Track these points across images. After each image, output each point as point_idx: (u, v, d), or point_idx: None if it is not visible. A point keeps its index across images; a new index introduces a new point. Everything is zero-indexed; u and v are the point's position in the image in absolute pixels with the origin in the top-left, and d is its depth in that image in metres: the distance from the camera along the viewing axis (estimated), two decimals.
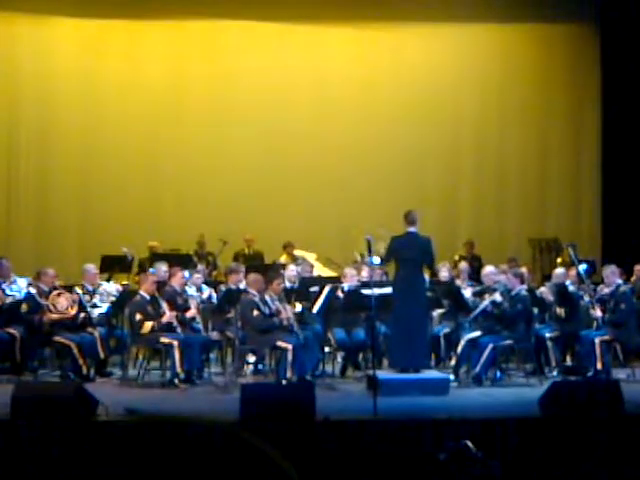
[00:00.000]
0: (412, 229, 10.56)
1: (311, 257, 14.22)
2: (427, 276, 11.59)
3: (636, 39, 16.49)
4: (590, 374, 10.86)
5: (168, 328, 10.73)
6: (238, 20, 17.15)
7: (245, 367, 11.41)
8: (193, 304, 11.24)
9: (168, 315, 10.76)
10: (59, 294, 11.11)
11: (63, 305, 11.04)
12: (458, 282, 12.54)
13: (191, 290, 11.87)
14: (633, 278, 12.88)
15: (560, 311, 11.78)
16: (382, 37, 17.46)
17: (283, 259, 14.69)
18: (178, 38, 17.21)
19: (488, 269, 11.91)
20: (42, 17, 16.87)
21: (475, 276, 12.99)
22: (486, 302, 11.10)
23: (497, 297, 11.04)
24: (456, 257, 14.90)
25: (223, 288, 11.95)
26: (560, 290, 11.84)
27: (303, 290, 11.68)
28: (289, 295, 11.41)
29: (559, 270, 12.60)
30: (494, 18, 17.55)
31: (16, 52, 16.94)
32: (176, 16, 17.01)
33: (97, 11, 16.80)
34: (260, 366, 11.46)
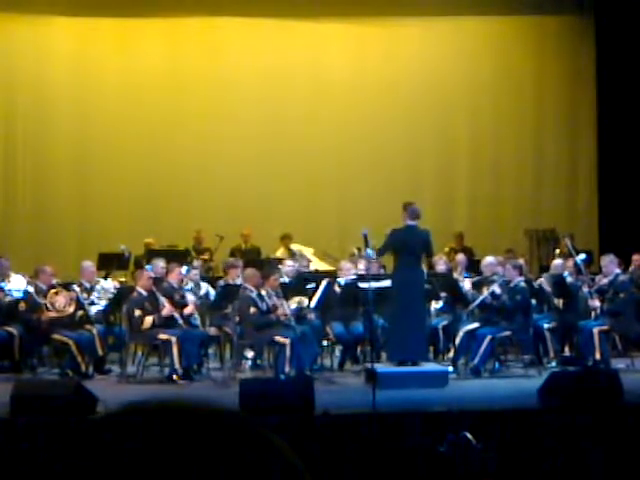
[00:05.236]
0: (412, 222, 10.56)
1: (308, 252, 14.22)
2: (425, 268, 11.60)
3: (631, 31, 16.47)
4: (589, 364, 10.86)
5: (168, 322, 10.72)
6: (234, 17, 17.10)
7: (243, 362, 11.41)
8: (191, 300, 11.23)
9: (167, 308, 10.74)
10: (57, 292, 11.10)
11: (61, 303, 11.04)
12: (455, 274, 12.54)
13: (188, 285, 11.86)
14: (631, 268, 12.88)
15: (558, 302, 11.78)
16: (377, 32, 17.42)
17: (280, 252, 14.69)
18: (175, 35, 17.16)
19: (488, 260, 11.92)
20: (38, 16, 16.82)
21: (468, 268, 13.01)
22: (485, 294, 11.10)
23: (496, 289, 11.03)
24: (446, 249, 14.83)
25: (223, 283, 11.96)
26: (558, 281, 11.84)
27: (299, 285, 11.66)
28: (285, 290, 11.40)
29: (557, 261, 12.60)
30: (489, 11, 17.53)
31: (12, 51, 16.88)
32: (173, 13, 16.97)
33: (93, 9, 16.75)
34: (258, 361, 11.46)
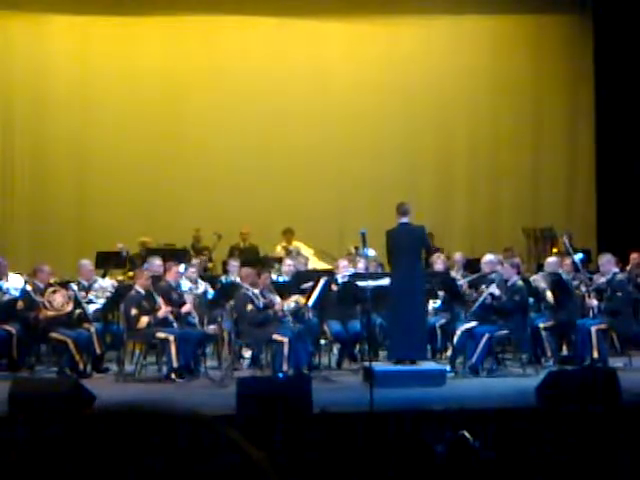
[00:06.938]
0: (404, 220, 10.56)
1: (309, 252, 14.23)
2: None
3: (630, 30, 16.47)
4: (587, 363, 10.85)
5: (164, 323, 10.72)
6: (234, 15, 17.10)
7: (241, 361, 11.39)
8: (188, 299, 11.22)
9: (163, 310, 10.74)
10: (54, 291, 11.09)
11: (59, 302, 11.02)
12: (453, 273, 12.54)
13: (186, 284, 11.85)
14: (629, 266, 12.86)
15: (555, 301, 11.75)
16: (377, 30, 17.43)
17: (280, 247, 14.70)
18: (174, 33, 17.16)
19: (488, 257, 11.89)
20: (37, 14, 16.81)
21: (465, 266, 13.00)
22: (484, 295, 11.07)
23: (495, 290, 11.00)
24: None
25: (224, 279, 11.98)
26: (554, 279, 11.82)
27: (297, 284, 11.64)
28: (283, 289, 11.38)
29: (552, 259, 12.55)
30: (488, 10, 17.54)
31: (10, 50, 16.89)
32: (171, 11, 16.97)
33: (91, 7, 16.75)
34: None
